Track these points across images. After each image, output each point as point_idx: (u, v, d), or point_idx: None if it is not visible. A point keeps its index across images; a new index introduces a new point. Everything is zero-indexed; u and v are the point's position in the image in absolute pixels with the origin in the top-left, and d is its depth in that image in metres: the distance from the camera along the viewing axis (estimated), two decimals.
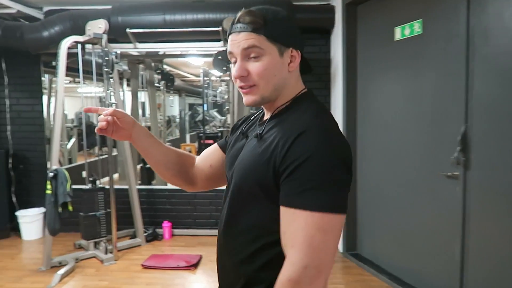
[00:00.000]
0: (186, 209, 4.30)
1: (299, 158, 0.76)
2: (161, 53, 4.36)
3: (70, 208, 3.27)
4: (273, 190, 0.81)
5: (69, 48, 3.41)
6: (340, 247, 3.62)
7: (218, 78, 7.24)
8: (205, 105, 8.03)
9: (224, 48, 3.76)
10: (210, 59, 3.82)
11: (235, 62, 0.89)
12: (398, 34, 2.91)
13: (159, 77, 5.43)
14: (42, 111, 4.32)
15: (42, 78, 4.35)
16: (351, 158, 0.82)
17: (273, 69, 0.87)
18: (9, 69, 4.28)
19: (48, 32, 3.76)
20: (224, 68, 3.76)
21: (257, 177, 0.83)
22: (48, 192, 3.19)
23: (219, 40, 3.86)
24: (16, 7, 3.85)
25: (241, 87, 0.90)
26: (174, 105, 11.99)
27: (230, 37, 0.89)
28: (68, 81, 4.81)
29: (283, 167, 0.78)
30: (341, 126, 3.47)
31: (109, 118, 0.98)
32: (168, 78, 5.45)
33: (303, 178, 0.75)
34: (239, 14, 0.87)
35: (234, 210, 0.90)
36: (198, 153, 7.03)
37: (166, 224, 4.14)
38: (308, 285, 0.73)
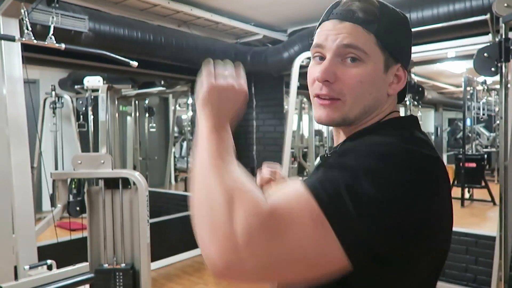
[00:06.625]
0: None
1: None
2: None
3: None
4: None
5: (304, 66, 3.30)
6: None
7: (485, 86, 5.86)
8: (469, 120, 6.75)
9: (489, 42, 2.77)
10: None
11: (320, 58, 0.65)
12: None
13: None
14: (284, 132, 4.39)
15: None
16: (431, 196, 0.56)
17: (370, 85, 0.63)
18: (257, 92, 4.58)
19: (288, 52, 3.80)
20: (493, 69, 2.75)
21: None
22: None
23: (485, 34, 2.99)
24: (263, 33, 4.07)
25: (317, 96, 0.65)
26: (428, 121, 10.79)
27: (323, 24, 0.66)
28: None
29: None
30: None
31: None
32: (416, 91, 4.66)
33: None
34: None
35: None
36: (456, 178, 5.76)
37: None
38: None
